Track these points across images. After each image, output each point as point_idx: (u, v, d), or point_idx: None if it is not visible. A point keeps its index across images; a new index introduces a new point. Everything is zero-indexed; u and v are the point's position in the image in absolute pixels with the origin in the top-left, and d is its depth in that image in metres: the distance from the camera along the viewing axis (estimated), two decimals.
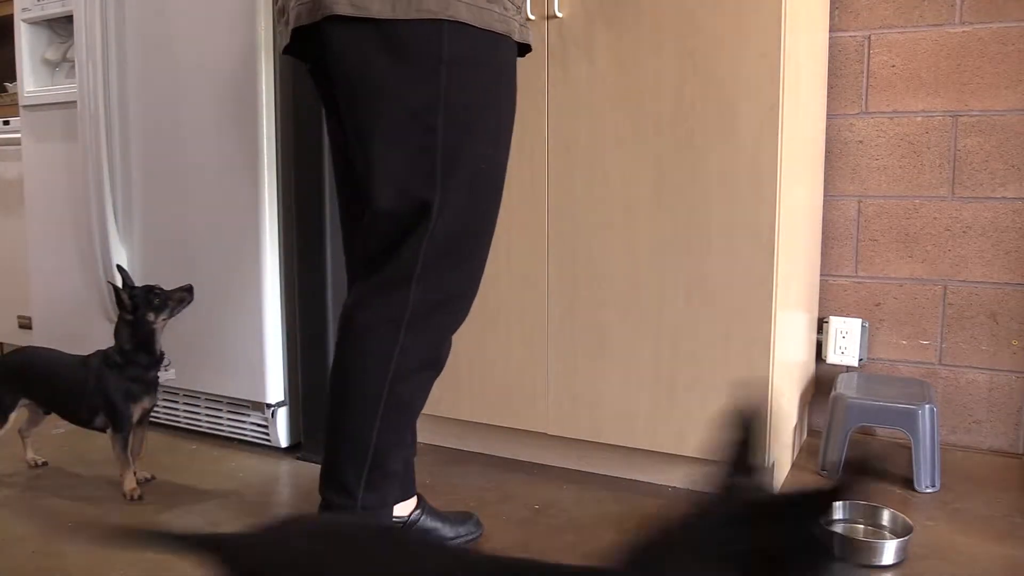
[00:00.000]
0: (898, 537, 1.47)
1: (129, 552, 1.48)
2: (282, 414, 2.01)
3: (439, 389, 1.95)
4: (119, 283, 1.73)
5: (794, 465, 1.92)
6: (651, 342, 1.69)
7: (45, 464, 1.90)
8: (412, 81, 1.19)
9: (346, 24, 1.18)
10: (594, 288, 1.74)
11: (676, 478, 1.78)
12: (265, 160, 1.92)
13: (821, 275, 2.14)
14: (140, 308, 1.70)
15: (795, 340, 1.80)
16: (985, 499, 1.73)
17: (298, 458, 1.98)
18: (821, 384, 2.09)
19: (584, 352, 1.77)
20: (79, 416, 1.73)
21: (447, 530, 1.49)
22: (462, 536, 1.50)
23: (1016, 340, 1.97)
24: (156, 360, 1.73)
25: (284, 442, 2.02)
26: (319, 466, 1.91)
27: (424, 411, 1.98)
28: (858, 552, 1.43)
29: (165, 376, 1.76)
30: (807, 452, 2.00)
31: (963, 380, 2.02)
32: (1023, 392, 1.97)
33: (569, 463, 1.89)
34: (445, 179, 1.22)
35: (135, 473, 1.74)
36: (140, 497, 1.71)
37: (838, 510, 1.55)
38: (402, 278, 1.23)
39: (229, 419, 2.09)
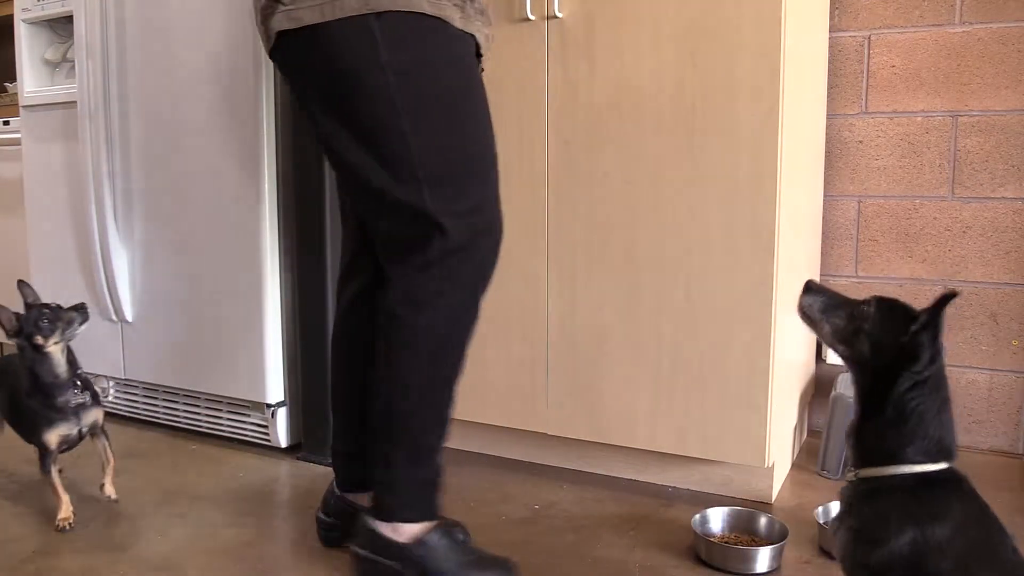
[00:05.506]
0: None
1: (129, 553, 1.49)
2: (282, 414, 2.01)
3: None
4: (29, 298, 1.61)
5: (794, 465, 1.92)
6: (651, 342, 1.69)
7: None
8: (362, 88, 1.19)
9: (291, 38, 1.20)
10: (594, 288, 1.74)
11: (676, 478, 1.78)
12: (265, 160, 1.92)
13: (821, 275, 2.14)
14: (25, 330, 1.56)
15: (795, 340, 1.80)
16: (985, 499, 1.72)
17: (298, 458, 1.98)
18: (821, 384, 2.09)
19: (584, 352, 1.77)
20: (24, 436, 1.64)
21: None
22: None
23: (1016, 340, 1.97)
24: (62, 384, 1.58)
25: (284, 442, 2.02)
26: (319, 466, 1.93)
27: None
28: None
29: (78, 400, 1.60)
30: (807, 452, 2.00)
31: (963, 380, 2.02)
32: (1023, 392, 1.97)
33: (569, 463, 1.89)
34: (444, 189, 1.22)
35: (103, 486, 1.68)
36: (69, 527, 1.57)
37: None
38: (423, 265, 1.26)
39: (229, 419, 2.09)
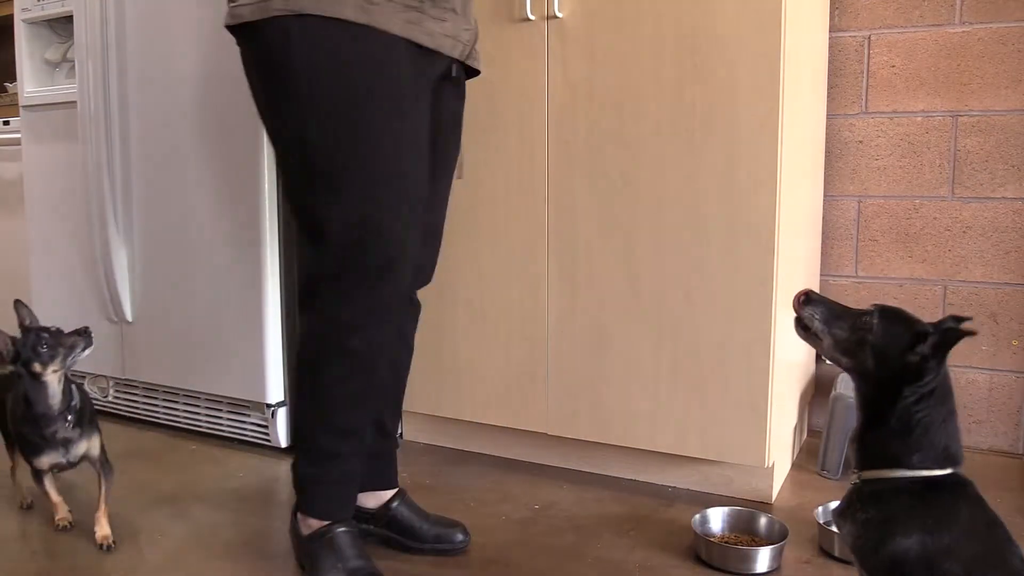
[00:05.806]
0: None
1: (130, 553, 1.48)
2: (282, 414, 2.01)
3: (439, 389, 1.95)
4: (26, 320, 1.48)
5: (794, 465, 1.92)
6: (651, 342, 1.69)
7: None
8: (279, 87, 1.21)
9: (237, 33, 1.24)
10: (594, 288, 1.74)
11: (676, 478, 1.78)
12: (265, 159, 1.91)
13: (821, 275, 2.14)
14: (22, 355, 1.41)
15: (795, 340, 1.80)
16: (986, 499, 1.72)
17: None
18: (821, 384, 2.09)
19: (584, 352, 1.77)
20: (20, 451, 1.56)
21: (426, 528, 1.49)
22: (444, 543, 1.48)
23: (1016, 340, 1.97)
24: (53, 417, 1.44)
25: (284, 442, 2.02)
26: None
27: (424, 411, 1.99)
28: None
29: (64, 436, 1.48)
30: (807, 452, 2.00)
31: (963, 380, 2.02)
32: (1023, 392, 1.97)
33: (569, 463, 1.89)
34: (328, 194, 1.22)
35: (102, 515, 1.53)
36: (69, 526, 1.56)
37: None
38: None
39: (229, 419, 2.09)
